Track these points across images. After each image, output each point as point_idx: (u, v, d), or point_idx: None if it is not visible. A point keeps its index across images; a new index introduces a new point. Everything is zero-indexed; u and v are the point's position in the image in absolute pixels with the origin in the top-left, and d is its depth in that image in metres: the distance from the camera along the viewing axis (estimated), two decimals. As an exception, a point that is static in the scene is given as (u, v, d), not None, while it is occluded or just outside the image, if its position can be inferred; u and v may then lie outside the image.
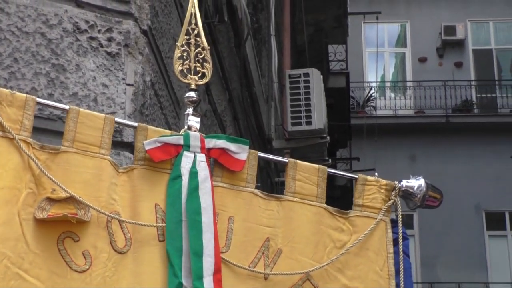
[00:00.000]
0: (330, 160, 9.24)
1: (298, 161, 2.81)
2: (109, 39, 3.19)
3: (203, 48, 2.79)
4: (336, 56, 14.93)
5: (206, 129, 4.77)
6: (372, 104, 21.62)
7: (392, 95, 22.34)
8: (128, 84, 3.17)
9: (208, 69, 2.79)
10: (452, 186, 20.18)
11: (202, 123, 2.75)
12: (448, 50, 22.32)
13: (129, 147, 2.99)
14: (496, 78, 22.34)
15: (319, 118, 8.16)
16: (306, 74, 8.18)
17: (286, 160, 2.80)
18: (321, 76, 8.51)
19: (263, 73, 8.12)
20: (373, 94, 21.81)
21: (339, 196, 11.52)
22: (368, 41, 22.45)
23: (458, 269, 19.52)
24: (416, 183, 2.83)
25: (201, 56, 2.78)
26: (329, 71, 13.90)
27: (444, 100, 21.56)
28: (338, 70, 14.49)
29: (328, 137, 8.47)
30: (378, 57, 21.10)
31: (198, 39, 2.77)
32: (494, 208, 20.66)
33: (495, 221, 20.81)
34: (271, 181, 8.23)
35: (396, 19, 22.78)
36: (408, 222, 20.03)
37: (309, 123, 8.12)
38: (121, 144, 3.00)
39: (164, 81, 3.70)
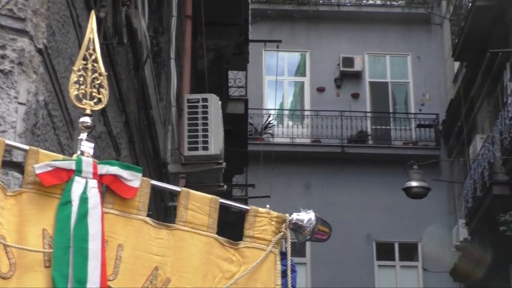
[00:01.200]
0: (225, 186, 9.25)
1: (191, 191, 2.81)
2: (2, 57, 3.13)
3: (100, 74, 2.77)
4: (236, 82, 15.04)
5: (100, 151, 4.71)
6: (270, 131, 21.83)
7: (290, 123, 22.62)
8: (20, 103, 3.10)
9: (104, 95, 2.77)
10: (345, 215, 20.55)
11: (96, 145, 2.73)
12: (345, 81, 22.79)
13: (18, 167, 2.92)
14: (391, 110, 22.93)
15: (216, 144, 8.18)
16: (205, 99, 8.19)
17: (179, 189, 2.80)
18: (220, 101, 8.54)
19: (162, 96, 8.10)
20: (271, 122, 22.03)
21: (233, 222, 11.54)
22: (268, 68, 22.71)
23: (348, 298, 19.84)
24: (306, 216, 2.87)
25: (97, 82, 2.76)
26: (228, 97, 13.97)
27: (340, 130, 21.97)
28: (238, 96, 14.59)
29: (224, 163, 8.49)
30: (278, 85, 21.34)
31: (96, 64, 2.76)
32: (384, 239, 21.12)
33: (385, 251, 21.27)
34: (165, 205, 8.19)
35: (297, 48, 23.13)
36: (300, 250, 20.24)
37: (206, 148, 8.12)
38: (9, 164, 2.93)
39: (58, 101, 3.64)
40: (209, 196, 2.85)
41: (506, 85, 16.93)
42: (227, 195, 14.47)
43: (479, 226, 16.71)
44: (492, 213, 14.38)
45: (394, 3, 23.43)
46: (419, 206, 19.42)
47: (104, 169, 2.63)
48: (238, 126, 14.27)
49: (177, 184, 8.55)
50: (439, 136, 22.21)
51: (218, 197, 2.85)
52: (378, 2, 23.44)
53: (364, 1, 23.37)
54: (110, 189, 2.66)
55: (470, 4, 17.42)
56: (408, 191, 16.82)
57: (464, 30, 17.84)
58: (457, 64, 21.27)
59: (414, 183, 16.73)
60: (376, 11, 23.27)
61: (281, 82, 22.45)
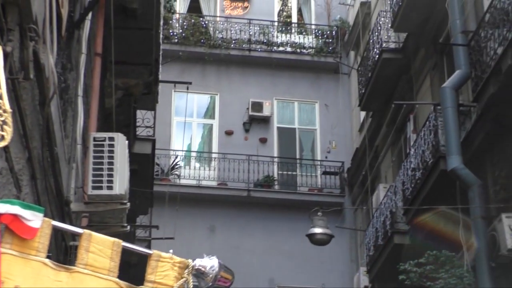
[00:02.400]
0: (129, 227, 9.10)
1: (93, 233, 2.75)
2: None
3: (4, 111, 2.70)
4: (144, 122, 14.93)
5: (0, 188, 4.57)
6: (176, 172, 21.71)
7: (197, 165, 22.57)
8: None
9: (8, 132, 2.70)
10: (249, 259, 20.55)
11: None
12: (254, 125, 22.94)
13: None
14: (298, 156, 23.17)
15: (121, 183, 8.06)
16: (111, 138, 8.08)
17: (81, 232, 2.73)
18: (127, 141, 8.44)
19: (67, 133, 7.95)
20: (178, 163, 21.93)
21: (136, 263, 11.37)
22: (178, 109, 22.67)
23: None
24: (209, 262, 2.84)
25: (1, 119, 2.69)
26: (135, 136, 13.85)
27: (247, 174, 22.04)
28: (145, 136, 14.47)
29: (128, 203, 8.36)
30: (186, 126, 21.31)
31: (0, 101, 2.68)
32: (287, 284, 21.16)
33: (287, 296, 21.31)
34: (65, 245, 7.99)
35: (207, 90, 23.20)
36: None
37: (110, 187, 7.99)
38: None
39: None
40: (112, 239, 2.80)
41: (409, 136, 17.37)
42: (130, 235, 14.26)
43: (380, 274, 16.94)
44: (392, 261, 14.60)
45: (304, 51, 23.83)
46: (322, 252, 19.59)
47: (4, 208, 2.55)
48: (144, 166, 14.13)
49: (79, 223, 8.38)
50: (344, 183, 22.54)
51: (120, 241, 2.80)
52: (288, 49, 23.79)
53: (274, 48, 23.68)
54: (9, 229, 2.57)
55: (377, 56, 17.86)
56: (311, 237, 16.94)
57: (371, 81, 18.27)
58: (363, 114, 21.72)
59: (317, 230, 16.86)
60: (286, 57, 23.61)
61: (189, 123, 22.43)
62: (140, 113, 14.49)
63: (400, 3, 15.77)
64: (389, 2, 17.11)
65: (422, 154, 14.13)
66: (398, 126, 18.12)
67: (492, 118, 11.64)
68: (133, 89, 11.29)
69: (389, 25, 17.30)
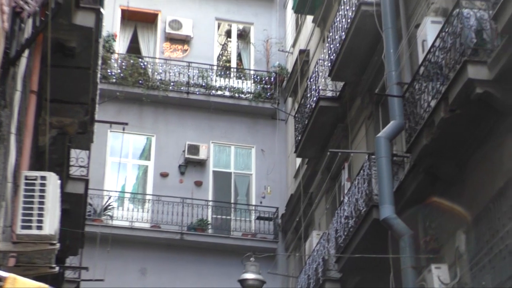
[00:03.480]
0: (57, 268, 8.91)
1: (18, 278, 2.68)
2: None
3: None
4: (78, 162, 14.73)
5: None
6: (109, 213, 21.45)
7: (131, 206, 22.33)
8: None
9: None
10: (179, 304, 20.29)
11: None
12: (190, 168, 22.86)
13: None
14: (233, 201, 23.13)
15: (51, 224, 7.91)
16: (43, 177, 7.95)
17: (6, 275, 2.66)
18: (60, 180, 8.31)
19: (-2, 171, 7.79)
20: (111, 204, 21.67)
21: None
22: (113, 150, 22.47)
23: None
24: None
25: None
26: (69, 176, 13.65)
27: (181, 217, 21.89)
28: (79, 176, 14.26)
29: (58, 244, 8.20)
30: (121, 167, 21.13)
31: None
32: (217, 329, 20.96)
33: None
34: (-9, 286, 7.78)
35: (143, 131, 23.08)
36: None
37: (40, 227, 7.84)
38: None
39: None
40: (38, 284, 2.73)
41: (343, 184, 17.52)
42: (59, 277, 13.97)
43: (311, 321, 16.92)
44: (323, 309, 14.63)
45: (242, 96, 23.96)
46: (254, 298, 19.47)
47: None
48: (76, 206, 13.92)
49: (6, 263, 8.17)
50: (278, 229, 22.57)
51: (47, 285, 2.73)
52: (227, 94, 23.89)
53: (213, 91, 23.74)
54: None
55: (314, 104, 18.04)
56: (243, 282, 16.86)
57: (307, 128, 18.42)
58: (299, 160, 21.85)
59: (249, 275, 16.80)
60: (224, 102, 23.68)
61: (124, 164, 22.25)
62: (74, 152, 14.30)
63: (338, 53, 16.01)
64: (327, 51, 17.36)
65: (355, 202, 14.25)
66: (333, 173, 18.27)
67: (424, 169, 11.82)
68: (68, 128, 11.15)
69: (327, 74, 17.52)
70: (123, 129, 15.69)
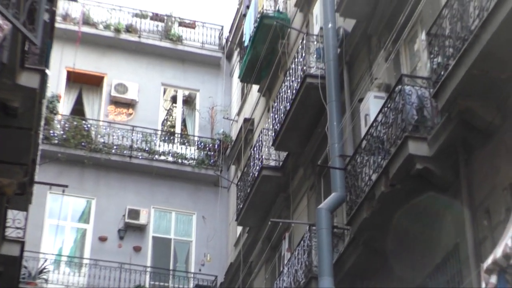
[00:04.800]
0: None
1: None
2: None
3: None
4: (14, 223, 14.43)
5: None
6: (44, 276, 20.96)
7: (67, 270, 21.88)
8: None
9: None
10: None
11: None
12: (129, 233, 22.58)
13: None
14: (172, 267, 22.85)
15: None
16: (-22, 239, 7.78)
17: None
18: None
19: None
20: (47, 267, 21.20)
21: None
22: (52, 211, 22.09)
23: None
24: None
25: None
26: (4, 237, 13.36)
27: (118, 283, 21.53)
28: (14, 237, 13.96)
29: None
30: (59, 229, 20.76)
31: None
32: None
33: None
34: None
35: (83, 194, 22.79)
36: None
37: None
38: None
39: None
40: None
41: (283, 254, 17.46)
42: None
43: None
44: None
45: (185, 162, 23.90)
46: None
47: None
48: (11, 269, 13.59)
49: None
50: (216, 298, 22.31)
51: None
52: (170, 159, 23.81)
53: (156, 156, 23.65)
54: None
55: (256, 173, 18.08)
56: None
57: (249, 196, 18.41)
58: (239, 228, 21.75)
59: None
60: (167, 167, 23.58)
61: (62, 227, 21.90)
62: (11, 213, 14.02)
63: (282, 123, 16.14)
64: (271, 120, 17.49)
65: (295, 273, 14.20)
66: (274, 243, 18.22)
67: (364, 242, 11.87)
68: (6, 188, 10.93)
69: (271, 143, 17.62)
70: (63, 191, 15.46)
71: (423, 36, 11.66)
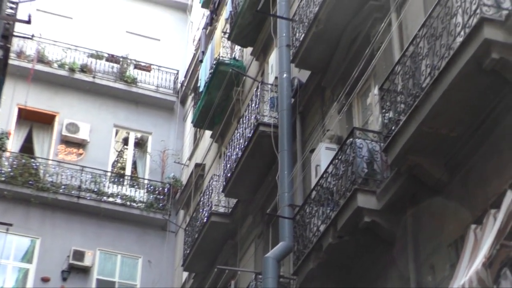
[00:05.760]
0: None
1: None
2: None
3: None
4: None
5: None
6: (-17, 316, 20.49)
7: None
8: None
9: None
10: None
11: None
12: (73, 274, 22.24)
13: None
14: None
15: None
16: None
17: None
18: None
19: None
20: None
21: None
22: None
23: None
24: None
25: None
26: None
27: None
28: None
29: None
30: (1, 268, 20.33)
31: None
32: None
33: None
34: None
35: (28, 233, 22.42)
36: None
37: None
38: None
39: None
40: None
41: (228, 302, 17.32)
42: None
43: None
44: None
45: (134, 204, 23.70)
46: None
47: None
48: None
49: None
50: None
51: None
52: (118, 201, 23.60)
53: (104, 198, 23.43)
54: None
55: (205, 218, 18.00)
56: None
57: (197, 242, 18.29)
58: (186, 274, 21.56)
59: None
60: (115, 209, 23.36)
61: (4, 266, 21.46)
62: None
63: (233, 170, 16.14)
64: (223, 167, 17.48)
65: (239, 321, 14.09)
66: (219, 290, 18.08)
67: (310, 293, 11.84)
68: None
69: (221, 190, 17.58)
70: (7, 230, 15.20)
71: (376, 90, 11.83)
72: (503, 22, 7.84)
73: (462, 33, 8.22)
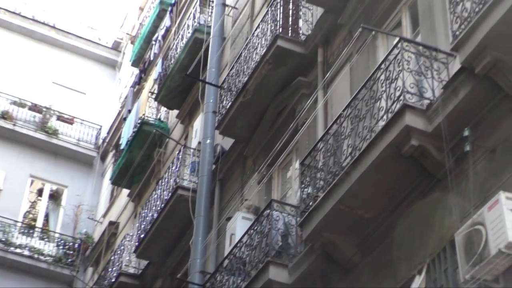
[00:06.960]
0: None
1: None
2: None
3: None
4: None
5: None
6: None
7: None
8: None
9: None
10: None
11: None
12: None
13: None
14: None
15: None
16: None
17: None
18: None
19: None
20: None
21: None
22: None
23: None
24: None
25: None
26: None
27: None
28: None
29: None
30: None
31: None
32: None
33: None
34: None
35: None
36: None
37: None
38: None
39: None
40: None
41: None
42: None
43: None
44: None
45: (42, 257, 23.10)
46: None
47: None
48: None
49: None
50: None
51: None
52: (26, 253, 22.97)
53: (11, 248, 22.78)
54: None
55: (114, 278, 17.68)
56: None
57: (104, 301, 17.92)
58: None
59: None
60: (22, 261, 22.70)
61: None
62: None
63: (147, 232, 15.95)
64: (137, 227, 17.27)
65: None
66: None
67: None
68: None
69: (133, 250, 17.33)
70: None
71: (297, 164, 11.96)
72: (424, 111, 8.07)
73: (384, 117, 8.42)
